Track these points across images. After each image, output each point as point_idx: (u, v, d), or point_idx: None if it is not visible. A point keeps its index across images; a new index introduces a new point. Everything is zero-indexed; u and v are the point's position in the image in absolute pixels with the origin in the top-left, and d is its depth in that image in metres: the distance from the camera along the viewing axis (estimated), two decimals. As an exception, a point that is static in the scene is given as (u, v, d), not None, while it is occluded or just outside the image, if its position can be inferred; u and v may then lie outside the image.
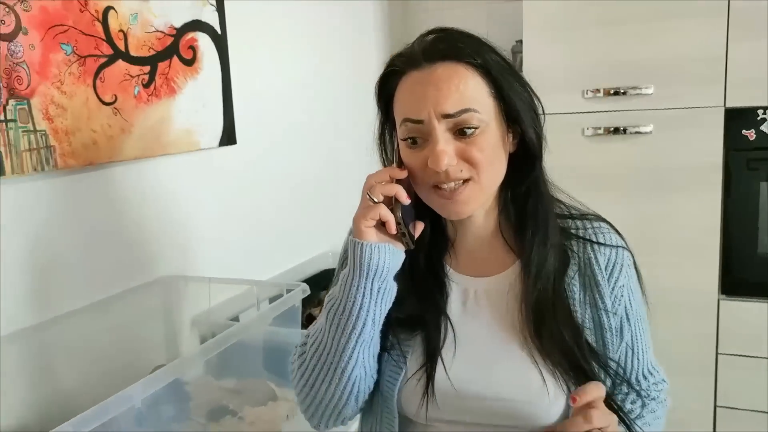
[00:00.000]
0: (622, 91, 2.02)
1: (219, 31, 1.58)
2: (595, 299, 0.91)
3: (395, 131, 0.92)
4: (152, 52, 1.38)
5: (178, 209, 1.50)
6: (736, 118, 1.94)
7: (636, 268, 0.97)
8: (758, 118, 1.92)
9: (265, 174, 1.82)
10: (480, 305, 0.93)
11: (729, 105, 1.93)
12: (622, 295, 0.92)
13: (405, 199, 0.84)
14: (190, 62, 1.49)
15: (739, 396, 2.02)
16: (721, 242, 2.00)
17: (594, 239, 0.94)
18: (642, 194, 2.05)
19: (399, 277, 0.88)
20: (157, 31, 1.39)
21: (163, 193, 1.45)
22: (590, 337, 0.90)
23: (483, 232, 0.96)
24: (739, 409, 2.03)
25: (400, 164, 0.90)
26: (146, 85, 1.36)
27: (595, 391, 0.77)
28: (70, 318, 1.22)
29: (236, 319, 1.55)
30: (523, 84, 0.89)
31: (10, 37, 1.07)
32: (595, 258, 0.92)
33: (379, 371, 0.93)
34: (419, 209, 0.90)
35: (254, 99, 1.76)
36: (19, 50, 1.09)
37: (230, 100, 1.63)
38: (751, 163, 1.95)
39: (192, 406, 1.26)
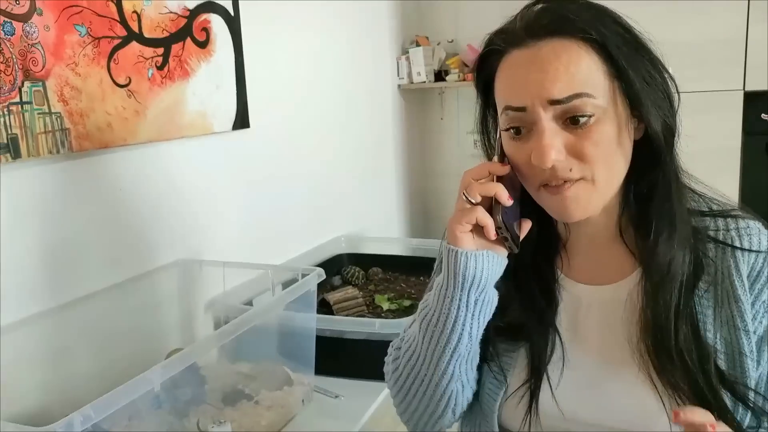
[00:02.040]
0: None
1: (232, 12, 1.56)
2: (732, 316, 0.75)
3: (498, 118, 0.78)
4: (166, 34, 1.36)
5: (192, 193, 1.49)
6: (756, 102, 1.91)
7: None
8: (778, 102, 1.89)
9: (278, 158, 1.81)
10: (593, 317, 0.81)
11: (748, 88, 1.90)
12: (765, 312, 0.76)
13: (506, 200, 0.73)
14: (203, 44, 1.48)
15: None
16: (738, 228, 1.98)
17: (737, 243, 0.77)
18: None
19: (502, 281, 0.79)
20: (171, 12, 1.37)
21: (177, 177, 1.44)
22: (723, 362, 0.75)
23: (600, 233, 0.81)
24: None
25: (503, 157, 0.77)
26: (160, 67, 1.35)
27: (702, 415, 0.64)
28: (86, 302, 1.22)
29: (250, 303, 1.54)
30: (653, 61, 0.74)
31: (24, 18, 1.06)
32: (736, 266, 0.76)
33: (479, 382, 0.85)
34: (526, 204, 0.78)
35: (267, 82, 1.74)
36: (35, 31, 1.08)
37: (243, 83, 1.61)
38: (770, 147, 1.93)
39: (208, 389, 1.26)
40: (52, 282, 1.17)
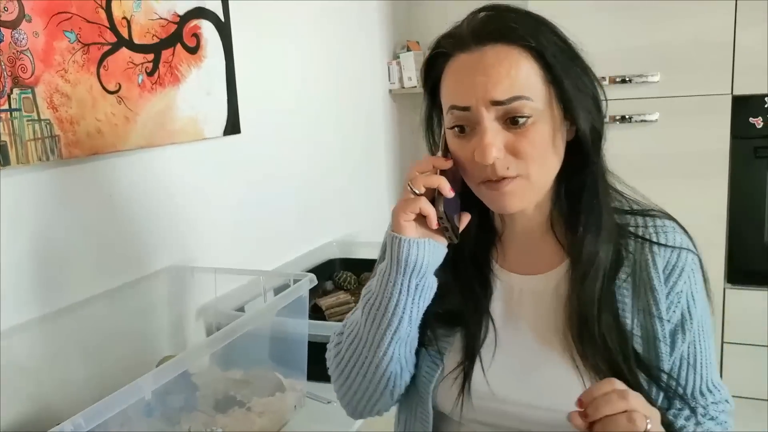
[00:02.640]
0: (628, 79, 2.00)
1: (222, 18, 1.56)
2: (648, 305, 0.83)
3: (443, 117, 0.84)
4: (156, 40, 1.36)
5: (184, 199, 1.48)
6: (744, 106, 1.93)
7: (703, 273, 0.87)
8: (766, 106, 1.91)
9: (269, 163, 1.80)
10: (524, 305, 0.87)
11: (736, 92, 1.92)
12: (679, 302, 0.84)
13: (448, 192, 0.78)
14: (194, 50, 1.47)
15: (745, 384, 2.01)
16: (727, 231, 2.00)
17: (654, 239, 0.85)
18: (648, 182, 2.02)
19: (441, 270, 0.84)
20: (161, 18, 1.37)
21: (167, 183, 1.44)
22: (640, 345, 0.82)
23: (532, 227, 0.88)
24: (744, 397, 2.02)
25: (446, 153, 0.83)
26: (150, 74, 1.35)
27: (605, 385, 0.70)
28: (76, 309, 1.21)
29: (242, 309, 1.54)
30: (583, 68, 0.81)
31: (13, 25, 1.06)
32: (653, 260, 0.84)
33: (416, 366, 0.90)
34: (467, 198, 0.84)
35: (258, 88, 1.74)
36: (23, 38, 1.07)
37: (234, 88, 1.61)
38: (758, 151, 1.94)
39: (199, 396, 1.25)
40: (43, 289, 1.16)
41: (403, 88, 2.56)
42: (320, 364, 1.42)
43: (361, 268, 2.00)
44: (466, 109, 0.77)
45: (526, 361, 0.84)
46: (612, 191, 0.87)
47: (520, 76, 0.75)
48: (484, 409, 0.84)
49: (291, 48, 1.91)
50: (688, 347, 0.85)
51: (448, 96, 0.81)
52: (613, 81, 2.01)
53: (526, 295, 0.88)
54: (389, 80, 2.56)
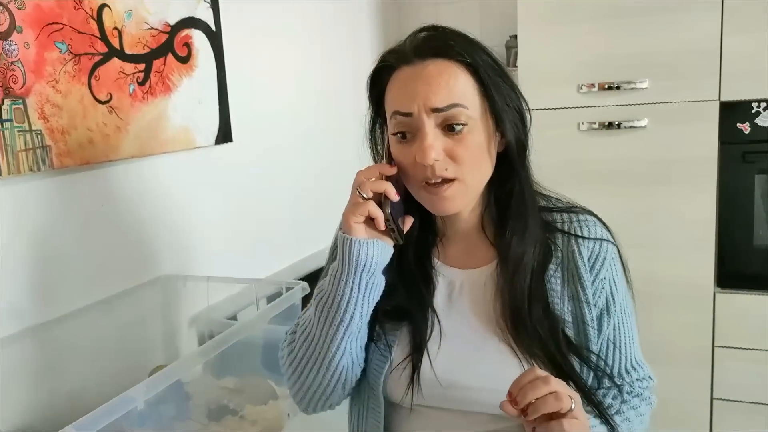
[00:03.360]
0: (616, 85, 2.02)
1: (213, 28, 1.56)
2: (576, 292, 0.92)
3: (386, 126, 0.94)
4: (147, 50, 1.37)
5: (175, 208, 1.49)
6: (731, 111, 1.94)
7: (622, 261, 0.98)
8: (753, 111, 1.93)
9: (261, 172, 1.81)
10: (464, 296, 0.96)
11: (724, 98, 1.94)
12: (603, 288, 0.94)
13: (394, 196, 0.85)
14: (185, 60, 1.48)
15: (736, 388, 2.03)
16: (717, 235, 2.01)
17: (578, 232, 0.95)
18: (637, 188, 2.06)
19: (387, 269, 0.90)
20: (152, 28, 1.38)
21: (159, 192, 1.44)
22: (570, 329, 0.92)
23: (467, 227, 0.98)
24: (735, 401, 2.04)
25: (390, 160, 0.91)
26: (141, 83, 1.35)
27: (529, 374, 0.77)
28: (68, 319, 1.21)
29: (235, 317, 1.54)
30: (511, 86, 0.90)
31: (4, 36, 1.06)
32: (579, 251, 0.94)
33: (366, 360, 0.96)
34: (409, 203, 0.92)
35: (250, 97, 1.75)
36: (14, 49, 1.08)
37: (226, 98, 1.62)
38: (746, 156, 1.96)
39: (192, 405, 1.25)
40: (35, 299, 1.16)
41: (395, 95, 2.56)
42: (313, 372, 1.43)
43: (354, 275, 2.00)
44: (408, 114, 0.85)
45: (468, 348, 0.92)
46: (538, 194, 0.97)
47: (457, 86, 0.85)
48: (433, 396, 0.91)
49: (282, 56, 1.91)
50: (613, 329, 0.95)
51: (391, 103, 0.89)
52: (602, 87, 2.03)
53: (466, 286, 0.96)
54: (380, 88, 2.57)
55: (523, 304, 0.90)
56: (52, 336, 1.17)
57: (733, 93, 1.93)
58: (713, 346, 2.04)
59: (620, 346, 0.95)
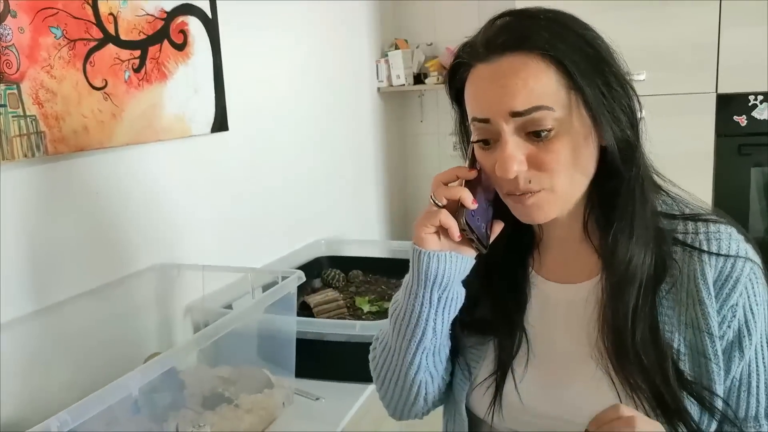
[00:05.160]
0: (615, 77, 2.01)
1: (210, 15, 1.55)
2: (696, 319, 0.76)
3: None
4: (142, 36, 1.36)
5: (171, 197, 1.48)
6: (728, 104, 1.95)
7: (764, 284, 0.79)
8: (749, 104, 1.93)
9: (257, 161, 1.80)
10: (559, 315, 0.83)
11: (721, 91, 1.94)
12: (734, 316, 0.76)
13: (470, 204, 0.75)
14: (181, 47, 1.47)
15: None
16: (712, 228, 2.02)
17: (704, 246, 0.77)
18: (634, 180, 2.06)
19: (475, 276, 0.82)
20: (147, 14, 1.36)
21: (155, 181, 1.43)
22: (686, 364, 0.76)
23: (568, 235, 0.83)
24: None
25: (473, 162, 0.80)
26: (137, 70, 1.34)
27: (611, 412, 0.67)
28: (62, 307, 1.20)
29: (230, 306, 1.53)
30: (615, 74, 0.75)
31: (-2, 20, 1.05)
32: (701, 270, 0.77)
33: (452, 372, 0.90)
34: (501, 205, 0.81)
35: (246, 85, 1.73)
36: (8, 33, 1.07)
37: (222, 86, 1.61)
38: (742, 149, 1.96)
39: (187, 394, 1.25)
40: (29, 287, 1.15)
41: (391, 86, 2.56)
42: (309, 361, 1.43)
43: (349, 265, 2.00)
44: (485, 121, 0.75)
45: (559, 374, 0.81)
46: (659, 194, 0.82)
47: (538, 85, 0.72)
48: (516, 420, 0.83)
49: (279, 46, 1.90)
50: (747, 367, 0.78)
51: (469, 108, 0.78)
52: (599, 79, 2.03)
53: (562, 305, 0.84)
54: (377, 78, 2.56)
55: (626, 324, 0.76)
56: (46, 325, 1.16)
57: (731, 86, 1.93)
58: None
59: (753, 389, 0.77)
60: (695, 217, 0.80)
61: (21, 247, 1.13)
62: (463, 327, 0.86)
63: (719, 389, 0.76)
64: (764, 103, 1.91)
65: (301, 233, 2.03)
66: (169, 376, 1.17)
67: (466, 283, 0.83)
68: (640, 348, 0.75)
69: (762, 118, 1.92)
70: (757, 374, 0.77)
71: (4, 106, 1.06)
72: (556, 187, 0.74)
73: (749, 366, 0.77)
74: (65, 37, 1.17)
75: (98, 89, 1.25)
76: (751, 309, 0.77)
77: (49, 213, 1.18)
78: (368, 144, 2.53)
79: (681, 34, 1.94)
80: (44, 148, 1.14)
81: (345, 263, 2.01)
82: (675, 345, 0.76)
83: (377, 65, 2.55)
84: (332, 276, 1.93)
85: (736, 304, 0.76)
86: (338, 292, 1.79)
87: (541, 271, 0.86)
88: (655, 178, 0.82)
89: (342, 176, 2.30)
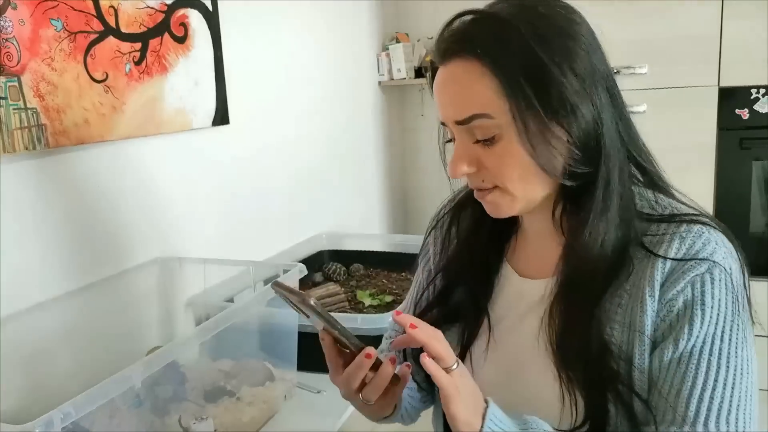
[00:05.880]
0: (615, 70, 2.00)
1: (210, 8, 1.55)
2: (633, 320, 0.73)
3: None
4: (143, 29, 1.35)
5: (172, 190, 1.48)
6: (730, 97, 1.94)
7: (734, 291, 0.71)
8: (752, 97, 1.92)
9: (258, 154, 1.80)
10: (522, 307, 0.83)
11: (723, 84, 1.94)
12: (670, 311, 0.71)
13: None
14: (181, 39, 1.46)
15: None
16: (713, 222, 2.01)
17: (662, 248, 0.73)
18: (635, 174, 2.05)
19: (454, 262, 0.86)
20: (148, 7, 1.36)
21: (156, 174, 1.43)
22: (617, 364, 0.72)
23: (540, 228, 0.82)
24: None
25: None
26: (137, 63, 1.34)
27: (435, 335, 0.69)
28: (64, 300, 1.20)
29: (231, 300, 1.53)
30: (575, 73, 0.70)
31: (-2, 12, 1.05)
32: (651, 273, 0.72)
33: None
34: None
35: (247, 78, 1.73)
36: (9, 25, 1.06)
37: (223, 79, 1.60)
38: (743, 142, 1.96)
39: (188, 387, 1.25)
40: (29, 280, 1.15)
41: (392, 79, 2.55)
42: (310, 355, 1.43)
43: (350, 259, 2.00)
44: (444, 124, 0.78)
45: (514, 365, 0.81)
46: (643, 193, 0.79)
47: (476, 92, 0.71)
48: None
49: (280, 39, 1.90)
50: (676, 367, 0.70)
51: None
52: (601, 73, 2.02)
53: (525, 298, 0.83)
54: (378, 72, 2.56)
55: (570, 323, 0.75)
56: (46, 318, 1.16)
57: (733, 79, 1.92)
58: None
59: (678, 394, 0.69)
60: (672, 218, 0.76)
61: (22, 240, 1.13)
62: (441, 317, 0.87)
63: (636, 385, 0.72)
64: (766, 97, 1.91)
65: (302, 227, 2.03)
66: (171, 369, 1.17)
67: (443, 270, 0.88)
68: (582, 347, 0.74)
69: (764, 112, 1.92)
70: (696, 381, 0.69)
71: (5, 98, 1.06)
72: (508, 188, 0.74)
73: (679, 367, 0.70)
74: (66, 30, 1.17)
75: (99, 82, 1.25)
76: (693, 307, 0.71)
77: (51, 206, 1.18)
78: (369, 138, 2.53)
79: (683, 27, 1.94)
80: (45, 140, 1.13)
81: (346, 257, 2.01)
82: (613, 347, 0.73)
83: (378, 59, 2.55)
84: (333, 270, 1.93)
85: (675, 299, 0.71)
86: (339, 285, 1.79)
87: (512, 261, 0.87)
88: (649, 171, 0.79)
89: (343, 170, 2.30)
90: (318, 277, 1.92)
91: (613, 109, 0.75)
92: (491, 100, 0.70)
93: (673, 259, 0.72)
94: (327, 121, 2.18)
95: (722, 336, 0.70)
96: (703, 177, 1.99)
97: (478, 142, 0.73)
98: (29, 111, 1.10)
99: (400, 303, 1.63)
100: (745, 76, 1.91)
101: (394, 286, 1.82)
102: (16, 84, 1.08)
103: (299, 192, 2.01)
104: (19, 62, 1.08)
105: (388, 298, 1.73)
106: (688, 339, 0.70)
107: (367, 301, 1.72)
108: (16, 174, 1.11)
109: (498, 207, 0.77)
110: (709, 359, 0.70)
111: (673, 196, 0.80)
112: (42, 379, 1.15)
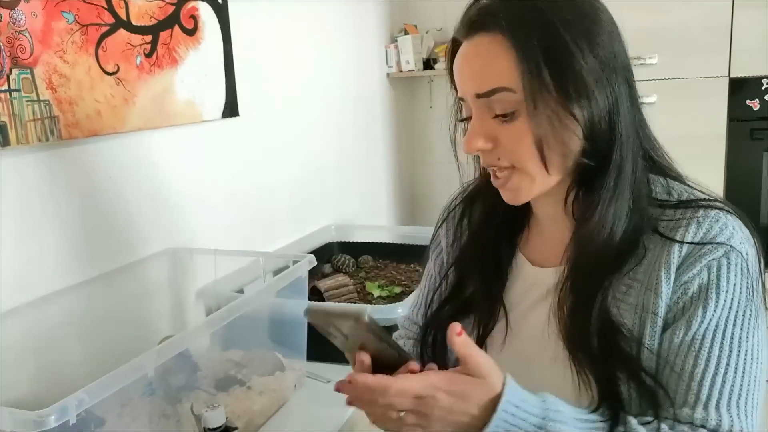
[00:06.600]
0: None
1: (220, 0, 1.55)
2: (647, 302, 0.73)
3: None
4: (153, 21, 1.36)
5: (182, 181, 1.49)
6: (741, 88, 1.93)
7: (749, 277, 0.71)
8: (762, 88, 1.91)
9: (267, 146, 1.81)
10: (535, 295, 0.83)
11: (733, 75, 1.93)
12: (684, 293, 0.71)
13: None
14: (191, 32, 1.47)
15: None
16: (724, 213, 2.01)
17: (679, 232, 0.73)
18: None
19: (467, 254, 0.87)
20: (158, -1, 1.37)
21: (167, 165, 1.44)
22: (626, 345, 0.72)
23: (552, 214, 0.82)
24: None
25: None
26: (148, 55, 1.35)
27: (415, 385, 0.65)
28: (75, 291, 1.22)
29: (242, 291, 1.55)
30: (596, 56, 0.71)
31: (11, 5, 1.05)
32: (667, 258, 0.72)
33: None
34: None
35: (256, 71, 1.74)
36: (21, 18, 1.07)
37: (232, 71, 1.61)
38: (754, 133, 1.95)
39: (200, 376, 1.26)
40: (43, 270, 1.16)
41: (401, 71, 2.55)
42: (319, 345, 1.44)
43: (359, 251, 2.01)
44: (463, 99, 0.78)
45: (529, 354, 0.81)
46: (657, 179, 0.78)
47: (499, 67, 0.72)
48: None
49: (288, 31, 1.90)
50: (687, 349, 0.70)
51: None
52: (610, 64, 2.01)
53: (539, 287, 0.83)
54: (387, 64, 2.56)
55: (581, 309, 0.74)
56: (58, 308, 1.18)
57: (743, 69, 1.91)
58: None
59: (695, 375, 0.69)
60: (688, 204, 0.75)
61: (36, 230, 1.15)
62: (452, 312, 0.86)
63: (650, 371, 0.71)
64: (777, 87, 1.90)
65: (311, 219, 2.04)
66: (182, 358, 1.19)
67: (456, 262, 0.88)
68: (593, 334, 0.73)
69: (775, 102, 1.91)
70: (703, 361, 0.70)
71: (19, 90, 1.07)
72: (527, 167, 0.74)
73: (690, 348, 0.70)
74: (77, 22, 1.18)
75: (110, 74, 1.26)
76: (708, 290, 0.71)
77: (63, 197, 1.20)
78: (378, 129, 2.53)
79: (693, 18, 1.93)
80: (58, 132, 1.15)
81: (355, 248, 2.02)
82: (623, 328, 0.73)
83: (387, 51, 2.55)
84: (342, 261, 1.94)
85: (690, 282, 0.71)
86: (348, 277, 1.80)
87: (524, 250, 0.87)
88: (659, 161, 0.79)
89: (352, 162, 2.30)
90: (327, 268, 1.93)
91: (630, 99, 0.75)
92: (513, 76, 0.71)
93: (690, 243, 0.72)
94: (335, 113, 2.19)
95: (735, 321, 0.70)
96: (714, 168, 1.98)
97: (496, 117, 0.74)
98: (42, 103, 1.11)
99: (409, 294, 1.65)
100: (755, 67, 1.90)
101: (402, 278, 1.83)
102: (29, 76, 1.09)
103: (308, 183, 2.02)
104: (31, 54, 1.09)
105: (397, 290, 1.74)
106: (701, 322, 0.70)
107: (376, 293, 1.73)
108: (29, 165, 1.13)
109: (517, 192, 0.77)
110: (721, 343, 0.70)
111: (686, 185, 0.80)
112: (54, 369, 1.16)
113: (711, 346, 0.70)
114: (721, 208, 0.74)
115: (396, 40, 2.53)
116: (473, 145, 0.75)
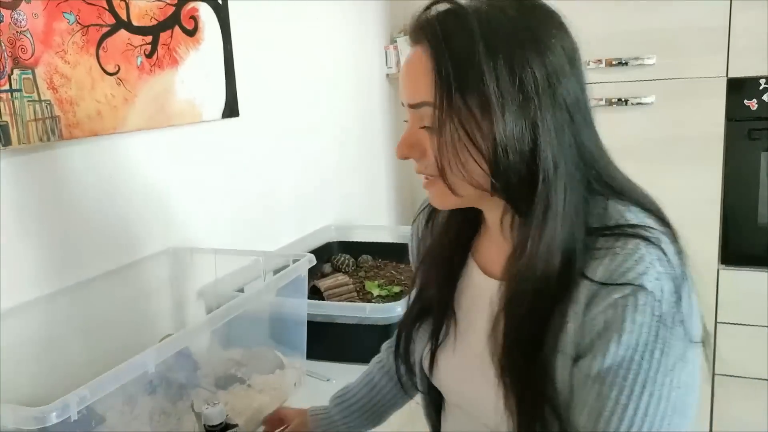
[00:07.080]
0: (624, 61, 2.01)
1: (220, 1, 1.56)
2: (557, 341, 0.70)
3: None
4: (154, 22, 1.37)
5: (182, 181, 1.49)
6: (738, 88, 1.94)
7: (659, 316, 0.66)
8: (760, 88, 1.92)
9: (268, 147, 1.81)
10: (482, 305, 0.81)
11: (731, 75, 1.93)
12: (592, 329, 0.68)
13: None
14: (191, 32, 1.48)
15: (737, 364, 2.05)
16: (721, 213, 2.02)
17: (588, 268, 0.69)
18: (643, 165, 2.03)
19: (427, 258, 0.89)
20: (159, 0, 1.37)
21: (167, 165, 1.45)
22: (543, 383, 0.71)
23: (497, 223, 0.79)
24: (736, 376, 2.06)
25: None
26: (149, 55, 1.35)
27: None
28: (75, 290, 1.22)
29: (242, 290, 1.55)
30: (510, 73, 0.68)
31: (13, 6, 1.06)
32: (576, 291, 0.70)
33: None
34: None
35: (256, 71, 1.74)
36: (23, 19, 1.08)
37: (232, 72, 1.62)
38: (752, 133, 1.96)
39: (200, 374, 1.27)
40: (43, 270, 1.17)
41: (400, 72, 2.56)
42: (319, 343, 1.45)
43: (359, 250, 2.02)
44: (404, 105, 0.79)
45: (472, 359, 0.81)
46: (599, 206, 0.73)
47: (425, 80, 0.72)
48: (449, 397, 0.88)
49: (289, 32, 1.91)
50: (599, 387, 0.67)
51: None
52: (609, 63, 2.02)
53: (485, 296, 0.81)
54: (386, 64, 2.56)
55: (509, 336, 0.73)
56: (59, 308, 1.18)
57: (741, 69, 1.92)
58: (716, 323, 2.06)
59: (590, 411, 0.68)
60: (612, 231, 0.70)
61: (37, 230, 1.15)
62: (416, 317, 0.90)
63: (561, 410, 0.70)
64: (775, 87, 1.91)
65: (310, 218, 2.04)
66: (183, 356, 1.20)
67: (420, 265, 0.90)
68: (521, 363, 0.72)
69: (773, 102, 1.92)
70: (600, 397, 0.68)
71: (20, 90, 1.08)
72: (446, 178, 0.73)
73: (594, 384, 0.68)
74: (78, 23, 1.19)
75: (111, 74, 1.26)
76: (612, 329, 0.67)
77: (64, 197, 1.20)
78: (378, 130, 2.53)
79: (691, 18, 1.93)
80: (59, 132, 1.15)
81: (355, 248, 2.03)
82: (544, 367, 0.71)
83: (386, 51, 2.55)
84: (342, 261, 1.94)
85: (596, 318, 0.68)
86: (348, 276, 1.81)
87: (477, 258, 0.86)
88: (612, 184, 0.75)
89: (351, 162, 2.31)
90: (327, 268, 1.94)
91: (570, 128, 0.71)
92: (431, 91, 0.72)
93: (598, 283, 0.68)
94: (335, 113, 2.20)
95: (641, 361, 0.66)
96: (712, 168, 1.99)
97: (423, 128, 0.75)
98: (43, 103, 1.12)
99: (408, 294, 1.65)
100: (753, 67, 1.91)
101: (402, 277, 1.84)
102: (30, 76, 1.10)
103: (308, 183, 2.02)
104: (33, 55, 1.10)
105: (397, 289, 1.74)
106: (603, 360, 0.67)
107: (376, 292, 1.73)
108: (30, 165, 1.13)
109: (435, 197, 0.79)
110: (622, 384, 0.66)
111: (637, 204, 0.74)
112: (55, 368, 1.17)
113: (611, 386, 0.67)
114: (644, 237, 0.68)
115: (395, 41, 2.53)
116: (399, 152, 0.78)
